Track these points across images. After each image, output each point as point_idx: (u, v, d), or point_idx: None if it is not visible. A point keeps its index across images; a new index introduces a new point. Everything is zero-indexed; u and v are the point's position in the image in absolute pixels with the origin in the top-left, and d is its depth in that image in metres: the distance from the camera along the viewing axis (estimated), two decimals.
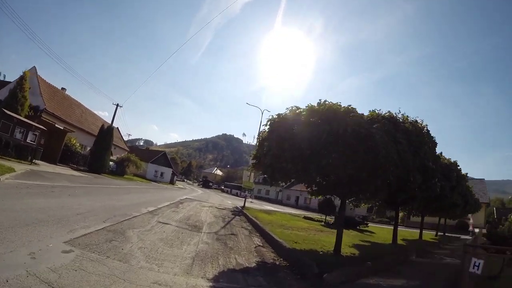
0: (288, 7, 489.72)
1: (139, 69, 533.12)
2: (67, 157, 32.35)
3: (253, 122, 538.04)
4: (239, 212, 22.05)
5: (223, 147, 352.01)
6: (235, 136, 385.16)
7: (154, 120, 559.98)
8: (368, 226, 26.61)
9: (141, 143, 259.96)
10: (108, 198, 14.24)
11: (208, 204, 24.21)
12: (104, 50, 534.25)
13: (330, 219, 27.34)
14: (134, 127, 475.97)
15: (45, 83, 33.13)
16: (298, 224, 19.71)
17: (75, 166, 32.16)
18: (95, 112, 51.80)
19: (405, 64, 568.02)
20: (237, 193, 75.30)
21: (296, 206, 70.50)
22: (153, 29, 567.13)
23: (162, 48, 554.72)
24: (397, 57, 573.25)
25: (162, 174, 62.76)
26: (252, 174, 28.73)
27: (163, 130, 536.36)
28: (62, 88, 39.07)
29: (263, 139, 10.90)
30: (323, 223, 25.03)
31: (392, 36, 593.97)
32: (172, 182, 65.30)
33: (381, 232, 24.25)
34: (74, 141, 34.15)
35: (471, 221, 38.91)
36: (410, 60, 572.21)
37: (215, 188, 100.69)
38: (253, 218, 17.08)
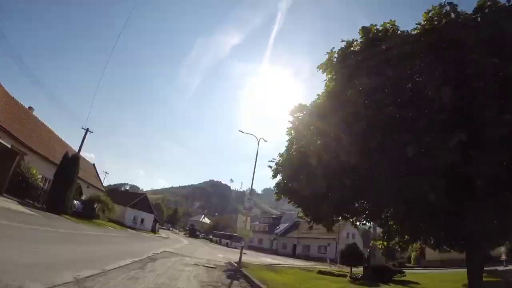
0: (275, 50, 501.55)
1: (123, 111, 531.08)
2: (21, 190, 25.66)
3: (240, 168, 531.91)
4: (235, 272, 15.73)
5: (210, 194, 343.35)
6: (223, 182, 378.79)
7: (140, 165, 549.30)
8: (405, 275, 20.36)
9: (127, 188, 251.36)
10: (27, 248, 8.19)
11: (193, 260, 17.75)
12: (88, 88, 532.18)
13: (356, 272, 20.76)
14: (119, 171, 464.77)
15: (4, 92, 27.46)
16: (321, 284, 13.72)
17: (30, 201, 25.71)
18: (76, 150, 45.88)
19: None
20: (227, 243, 67.70)
21: (293, 255, 63.64)
22: (140, 70, 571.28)
23: (148, 90, 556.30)
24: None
25: (142, 220, 55.49)
26: (249, 219, 22.78)
27: (149, 175, 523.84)
28: (29, 108, 33.19)
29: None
30: (348, 277, 18.90)
31: None
32: (154, 230, 57.77)
33: (428, 281, 17.86)
34: (35, 171, 27.68)
35: None
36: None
37: (203, 238, 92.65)
38: (258, 282, 11.07)
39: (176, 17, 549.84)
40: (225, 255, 30.22)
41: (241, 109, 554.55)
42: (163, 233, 69.43)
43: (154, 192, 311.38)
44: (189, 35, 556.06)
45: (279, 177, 11.86)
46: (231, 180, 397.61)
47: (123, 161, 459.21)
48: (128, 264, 10.43)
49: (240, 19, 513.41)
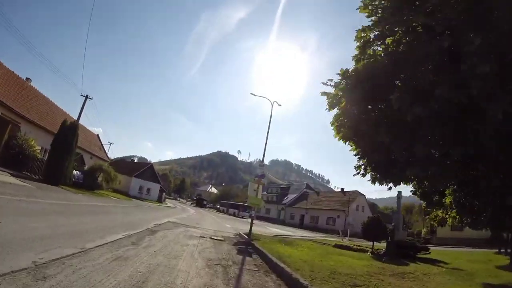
0: (282, 23, 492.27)
1: (132, 84, 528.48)
2: (18, 162, 24.15)
3: (247, 139, 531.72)
4: (246, 244, 14.04)
5: (218, 164, 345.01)
6: (230, 153, 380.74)
7: (148, 138, 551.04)
8: (430, 253, 18.64)
9: (135, 161, 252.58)
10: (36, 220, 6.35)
11: (199, 231, 16.13)
12: (98, 62, 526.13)
13: (379, 247, 18.97)
14: (127, 144, 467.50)
15: None
16: (343, 261, 11.87)
17: (27, 173, 24.22)
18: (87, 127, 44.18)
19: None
20: (234, 212, 66.95)
21: (300, 226, 62.65)
22: (148, 44, 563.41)
23: (155, 63, 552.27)
24: None
25: (148, 190, 54.56)
26: (260, 187, 20.96)
27: (157, 148, 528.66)
28: (27, 79, 31.24)
29: None
30: (369, 253, 17.17)
31: None
32: (160, 200, 56.90)
33: (454, 260, 16.06)
34: (33, 142, 26.06)
35: None
36: None
37: (209, 207, 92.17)
38: (276, 260, 9.23)
39: None
40: (234, 225, 28.80)
41: (248, 82, 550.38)
42: (169, 203, 68.66)
43: (162, 163, 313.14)
44: (195, 8, 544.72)
45: (335, 110, 8.59)
46: (239, 151, 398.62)
47: (130, 134, 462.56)
48: (120, 238, 8.71)
49: None
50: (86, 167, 33.85)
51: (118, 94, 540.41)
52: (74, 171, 28.50)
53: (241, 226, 29.15)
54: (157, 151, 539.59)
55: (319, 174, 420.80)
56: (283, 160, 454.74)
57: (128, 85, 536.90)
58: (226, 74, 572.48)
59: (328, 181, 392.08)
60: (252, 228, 18.12)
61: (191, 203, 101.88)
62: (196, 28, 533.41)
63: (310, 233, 42.83)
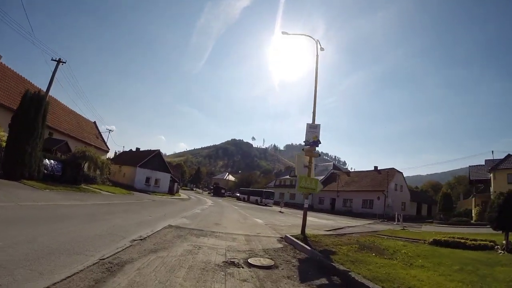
0: (288, 9, 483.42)
1: (139, 80, 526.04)
2: None
3: (261, 126, 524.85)
4: (318, 268, 6.59)
5: (233, 152, 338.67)
6: (245, 140, 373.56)
7: (161, 131, 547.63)
8: None
9: None
10: None
11: (222, 245, 8.64)
12: (103, 62, 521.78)
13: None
14: (141, 140, 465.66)
15: None
16: None
17: None
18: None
19: (406, 56, 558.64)
20: (256, 200, 59.65)
21: (332, 210, 54.97)
22: (153, 40, 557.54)
23: (162, 58, 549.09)
24: (397, 50, 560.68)
25: (157, 181, 47.44)
26: (314, 161, 13.54)
27: (171, 140, 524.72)
28: None
29: None
30: (502, 250, 9.76)
31: (391, 30, 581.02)
32: (171, 191, 49.82)
33: None
34: None
35: None
36: (411, 52, 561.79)
37: (228, 196, 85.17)
38: None
39: None
40: (266, 219, 21.65)
41: (256, 69, 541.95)
42: (184, 194, 61.75)
43: (177, 155, 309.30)
44: (196, 1, 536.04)
45: None
46: (253, 138, 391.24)
47: (144, 129, 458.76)
48: None
49: None
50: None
51: (128, 91, 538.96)
52: (47, 160, 21.34)
53: (276, 219, 22.13)
54: (171, 144, 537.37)
55: (335, 156, 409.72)
56: (297, 144, 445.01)
57: (137, 82, 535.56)
58: (234, 63, 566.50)
59: (344, 163, 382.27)
60: (283, 218, 10.97)
61: (208, 193, 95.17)
62: (200, 20, 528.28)
63: (349, 219, 35.99)
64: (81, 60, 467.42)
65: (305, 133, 13.40)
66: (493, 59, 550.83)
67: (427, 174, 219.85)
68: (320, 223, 24.32)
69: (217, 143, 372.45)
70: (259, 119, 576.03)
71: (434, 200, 73.55)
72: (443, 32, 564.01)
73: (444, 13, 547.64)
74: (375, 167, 60.03)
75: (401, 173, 56.75)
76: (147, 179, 45.34)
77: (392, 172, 53.77)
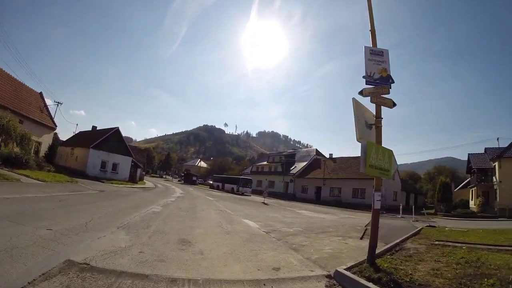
0: None
1: (111, 64, 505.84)
2: None
3: (233, 112, 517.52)
4: None
5: (205, 138, 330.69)
6: (217, 126, 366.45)
7: (132, 116, 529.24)
8: None
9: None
10: None
11: None
12: (72, 43, 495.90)
13: None
14: (111, 124, 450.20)
15: None
16: None
17: None
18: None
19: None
20: (232, 188, 53.00)
21: (317, 200, 49.30)
22: (126, 21, 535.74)
23: (134, 41, 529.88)
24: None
25: (115, 166, 39.62)
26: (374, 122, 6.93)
27: (141, 126, 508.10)
28: None
29: None
30: None
31: (368, 21, 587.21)
32: (133, 178, 42.18)
33: None
34: None
35: None
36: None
37: (200, 183, 77.96)
38: None
39: None
40: (258, 218, 15.43)
41: (231, 55, 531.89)
42: (150, 182, 54.20)
43: (147, 141, 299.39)
44: None
45: None
46: (225, 124, 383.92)
47: (114, 114, 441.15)
48: None
49: None
50: None
51: (98, 75, 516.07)
52: None
53: (271, 218, 16.03)
54: (142, 129, 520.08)
55: (307, 144, 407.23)
56: (270, 131, 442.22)
57: (106, 65, 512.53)
58: (208, 48, 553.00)
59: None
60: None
61: (178, 180, 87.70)
62: (173, 3, 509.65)
63: (346, 212, 32.08)
64: (50, 43, 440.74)
65: (364, 63, 6.98)
66: (467, 55, 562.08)
67: (401, 164, 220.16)
68: (325, 220, 18.20)
69: (189, 129, 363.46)
70: (232, 106, 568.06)
71: (419, 190, 69.92)
72: (420, 25, 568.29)
73: (421, 8, 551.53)
74: None
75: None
76: (103, 164, 37.36)
77: None
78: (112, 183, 31.95)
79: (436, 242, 10.13)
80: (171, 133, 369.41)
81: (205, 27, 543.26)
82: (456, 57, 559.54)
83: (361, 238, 11.13)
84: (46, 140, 33.93)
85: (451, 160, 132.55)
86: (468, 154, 45.07)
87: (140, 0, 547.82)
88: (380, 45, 7.82)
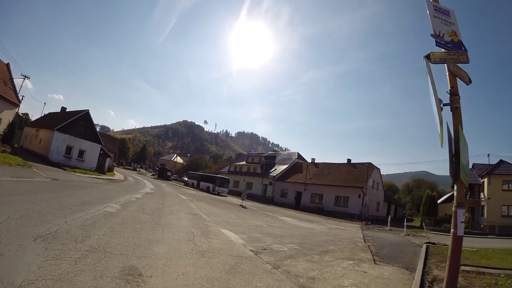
0: None
1: (96, 46, 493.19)
2: None
3: (214, 110, 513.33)
4: None
5: (183, 134, 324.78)
6: (196, 123, 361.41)
7: (111, 105, 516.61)
8: None
9: (97, 129, 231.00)
10: None
11: None
12: (57, 21, 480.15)
13: None
14: (90, 110, 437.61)
15: None
16: None
17: None
18: None
19: (368, 60, 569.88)
20: (208, 187, 49.95)
21: (296, 206, 47.25)
22: (116, 7, 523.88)
23: (123, 27, 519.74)
24: (361, 52, 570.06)
25: (81, 154, 35.80)
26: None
27: (120, 116, 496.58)
28: None
29: None
30: None
31: (355, 33, 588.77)
32: (101, 169, 38.56)
33: None
34: None
35: None
36: (373, 56, 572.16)
37: (175, 180, 74.29)
38: None
39: None
40: (239, 227, 12.88)
41: (217, 52, 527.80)
42: (120, 174, 50.49)
43: (125, 132, 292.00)
44: None
45: None
46: (205, 121, 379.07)
47: (92, 101, 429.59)
48: None
49: None
50: None
51: (83, 59, 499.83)
52: None
53: (255, 227, 13.55)
54: (121, 120, 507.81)
55: (285, 148, 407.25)
56: (249, 132, 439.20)
57: (93, 49, 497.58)
58: (195, 43, 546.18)
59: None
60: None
61: (152, 175, 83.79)
62: None
63: (332, 221, 29.36)
64: (38, 24, 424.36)
65: (430, 20, 4.36)
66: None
67: None
68: (316, 232, 15.68)
69: (168, 123, 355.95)
70: (213, 103, 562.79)
71: (399, 201, 68.89)
72: (405, 41, 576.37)
73: (407, 24, 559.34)
74: (349, 160, 52.20)
75: (379, 169, 49.53)
76: (68, 149, 33.56)
77: (370, 167, 46.15)
78: (75, 171, 28.57)
79: (467, 269, 8.19)
80: (150, 126, 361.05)
81: (194, 22, 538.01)
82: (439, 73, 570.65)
83: (375, 262, 8.72)
84: (6, 117, 30.13)
85: (426, 174, 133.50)
86: None
87: None
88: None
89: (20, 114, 70.30)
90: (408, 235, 23.02)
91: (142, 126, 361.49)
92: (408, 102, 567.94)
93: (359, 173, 45.90)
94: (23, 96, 58.89)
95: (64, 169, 27.96)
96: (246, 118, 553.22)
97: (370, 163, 47.40)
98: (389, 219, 29.83)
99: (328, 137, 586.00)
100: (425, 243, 15.44)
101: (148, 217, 10.94)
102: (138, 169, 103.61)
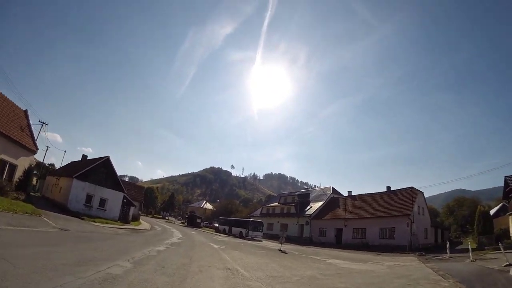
0: (269, 38, 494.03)
1: (120, 102, 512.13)
2: None
3: (240, 154, 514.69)
4: None
5: (211, 180, 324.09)
6: (223, 168, 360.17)
7: (138, 157, 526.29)
8: None
9: (126, 180, 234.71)
10: None
11: None
12: (81, 79, 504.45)
13: None
14: (120, 164, 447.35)
15: None
16: None
17: None
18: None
19: (385, 85, 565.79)
20: (241, 232, 46.32)
21: (337, 244, 43.42)
22: (137, 62, 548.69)
23: (144, 82, 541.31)
24: (377, 78, 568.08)
25: (102, 202, 33.26)
26: None
27: (148, 166, 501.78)
28: None
29: None
30: None
31: (369, 59, 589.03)
32: (125, 218, 35.99)
33: None
34: None
35: None
36: (390, 81, 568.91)
37: (205, 226, 70.82)
38: None
39: (166, 7, 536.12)
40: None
41: (237, 96, 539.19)
42: (148, 222, 47.69)
43: (153, 182, 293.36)
44: (181, 26, 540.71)
45: None
46: (232, 166, 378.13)
47: (120, 153, 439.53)
48: None
49: (232, 8, 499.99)
50: None
51: (108, 113, 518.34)
52: None
53: (320, 285, 9.54)
54: (148, 170, 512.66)
55: (315, 185, 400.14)
56: (277, 173, 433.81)
57: (117, 104, 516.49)
58: (215, 90, 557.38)
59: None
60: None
61: (182, 222, 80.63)
62: (183, 46, 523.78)
63: (376, 256, 24.32)
64: (60, 80, 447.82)
65: None
66: (468, 84, 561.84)
67: None
68: (382, 278, 11.99)
69: (195, 170, 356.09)
70: (238, 147, 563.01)
71: (444, 224, 62.70)
72: (419, 60, 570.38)
73: (420, 41, 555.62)
74: (388, 188, 47.59)
75: (422, 192, 44.40)
76: (89, 198, 31.05)
77: (414, 192, 41.51)
78: (94, 221, 25.92)
79: None
80: (178, 174, 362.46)
81: (213, 69, 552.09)
82: (458, 87, 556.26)
83: None
84: (22, 164, 28.36)
85: (461, 192, 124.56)
86: (505, 177, 38.34)
87: (150, 42, 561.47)
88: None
89: (47, 165, 70.10)
90: (475, 260, 19.59)
91: (170, 175, 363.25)
92: (429, 121, 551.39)
93: (402, 200, 41.33)
94: (47, 146, 58.73)
95: (82, 219, 25.38)
96: (271, 159, 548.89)
97: (412, 188, 42.75)
98: (447, 245, 25.76)
99: (354, 169, 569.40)
100: (505, 265, 14.24)
101: (167, 281, 7.67)
102: (167, 218, 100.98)
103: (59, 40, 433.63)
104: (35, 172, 55.02)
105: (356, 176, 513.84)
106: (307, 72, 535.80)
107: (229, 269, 11.34)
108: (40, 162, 61.85)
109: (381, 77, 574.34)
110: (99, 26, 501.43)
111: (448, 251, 25.11)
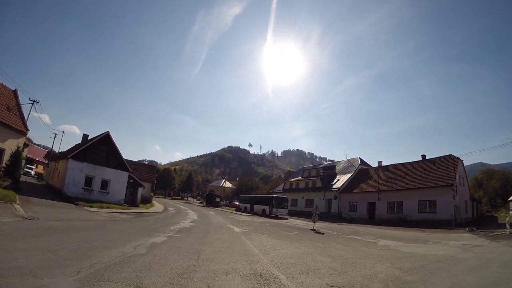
0: (280, 16, 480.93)
1: (135, 90, 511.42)
2: None
3: (257, 132, 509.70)
4: None
5: (229, 159, 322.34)
6: (241, 147, 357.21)
7: (156, 141, 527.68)
8: None
9: (145, 163, 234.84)
10: None
11: None
12: (96, 71, 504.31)
13: None
14: (137, 149, 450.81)
15: None
16: None
17: None
18: None
19: (400, 56, 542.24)
20: (264, 210, 42.24)
21: (370, 220, 39.23)
22: (147, 48, 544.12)
23: (157, 67, 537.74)
24: (392, 50, 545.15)
25: (104, 184, 28.93)
26: None
27: (166, 150, 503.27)
28: None
29: None
30: None
31: (384, 30, 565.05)
32: (134, 201, 32.09)
33: None
34: None
35: None
36: (405, 52, 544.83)
37: (225, 205, 67.16)
38: None
39: None
40: None
41: (250, 75, 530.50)
42: (162, 204, 44.09)
43: (172, 164, 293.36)
44: (189, 9, 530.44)
45: None
46: (250, 144, 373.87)
47: (139, 140, 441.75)
48: None
49: None
50: None
51: (124, 102, 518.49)
52: None
53: None
54: (167, 153, 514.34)
55: (333, 160, 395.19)
56: (295, 149, 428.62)
57: (132, 92, 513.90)
58: (228, 70, 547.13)
59: None
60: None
61: (200, 202, 77.29)
62: (192, 29, 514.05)
63: (427, 234, 19.53)
64: (72, 71, 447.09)
65: None
66: (486, 55, 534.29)
67: None
68: (457, 258, 7.36)
69: (213, 150, 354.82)
70: (255, 126, 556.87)
71: (475, 197, 57.68)
72: (434, 30, 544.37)
73: (434, 11, 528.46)
74: (423, 156, 42.33)
75: (462, 161, 38.83)
76: (88, 181, 27.12)
77: (455, 159, 36.30)
78: (91, 206, 21.90)
79: None
80: (196, 155, 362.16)
81: (224, 50, 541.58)
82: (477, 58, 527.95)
83: None
84: (10, 147, 24.59)
85: (482, 165, 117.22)
86: None
87: (160, 26, 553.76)
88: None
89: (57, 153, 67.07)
90: None
91: (188, 157, 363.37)
92: (450, 91, 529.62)
93: (441, 169, 36.15)
94: (55, 134, 55.19)
95: (76, 204, 21.50)
96: (289, 136, 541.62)
97: (450, 155, 37.65)
98: (507, 220, 21.55)
99: (373, 143, 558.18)
100: None
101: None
102: (185, 198, 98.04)
103: (70, 34, 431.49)
104: (27, 155, 51.64)
105: (376, 149, 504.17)
106: (322, 50, 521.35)
107: (261, 275, 6.91)
108: (49, 149, 58.76)
109: (396, 48, 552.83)
110: (108, 16, 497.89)
111: (508, 226, 21.37)
